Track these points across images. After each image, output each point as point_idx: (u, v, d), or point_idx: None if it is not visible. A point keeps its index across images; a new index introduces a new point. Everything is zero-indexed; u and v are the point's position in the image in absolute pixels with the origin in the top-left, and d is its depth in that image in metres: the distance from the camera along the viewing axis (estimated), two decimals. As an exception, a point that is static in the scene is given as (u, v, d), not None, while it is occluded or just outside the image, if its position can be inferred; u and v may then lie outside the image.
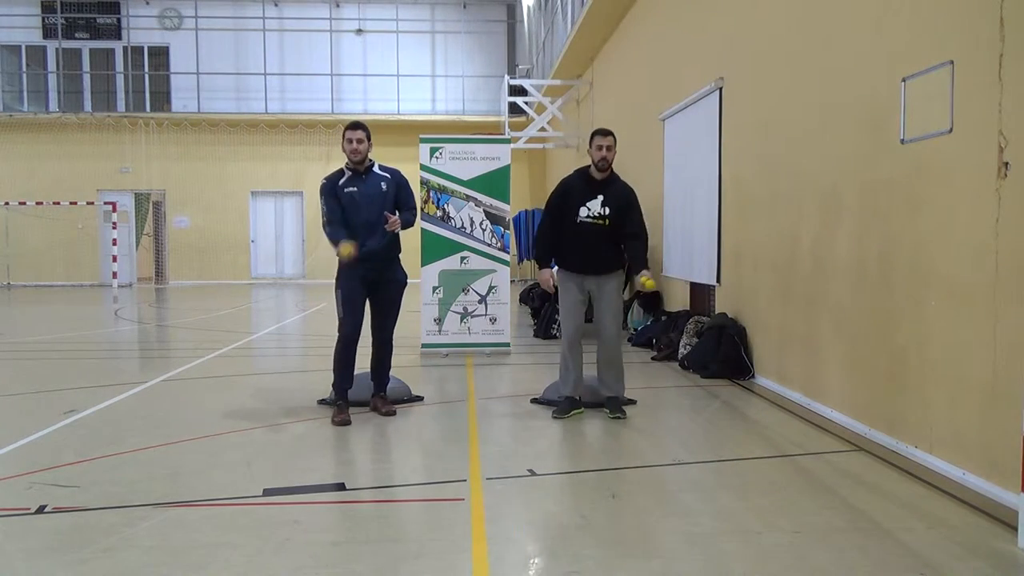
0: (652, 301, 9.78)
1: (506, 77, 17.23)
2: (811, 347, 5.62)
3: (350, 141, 5.31)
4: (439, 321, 8.18)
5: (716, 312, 7.62)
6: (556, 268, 5.60)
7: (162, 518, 3.45)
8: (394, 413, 5.49)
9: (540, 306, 10.12)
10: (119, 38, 21.92)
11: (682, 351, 7.48)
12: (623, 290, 7.17)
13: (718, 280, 7.63)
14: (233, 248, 21.68)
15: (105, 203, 20.03)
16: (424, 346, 8.19)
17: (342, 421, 5.19)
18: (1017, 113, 3.51)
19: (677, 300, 9.14)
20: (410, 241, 6.11)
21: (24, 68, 22.04)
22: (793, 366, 5.93)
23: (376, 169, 5.46)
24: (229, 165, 21.56)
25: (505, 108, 16.59)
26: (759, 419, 5.39)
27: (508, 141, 8.52)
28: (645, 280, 5.24)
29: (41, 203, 19.97)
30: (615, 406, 5.42)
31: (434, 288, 8.14)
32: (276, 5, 22.20)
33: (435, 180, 8.13)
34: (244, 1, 22.00)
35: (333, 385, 5.44)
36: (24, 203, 19.99)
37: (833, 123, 5.26)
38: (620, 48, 12.61)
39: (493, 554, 3.06)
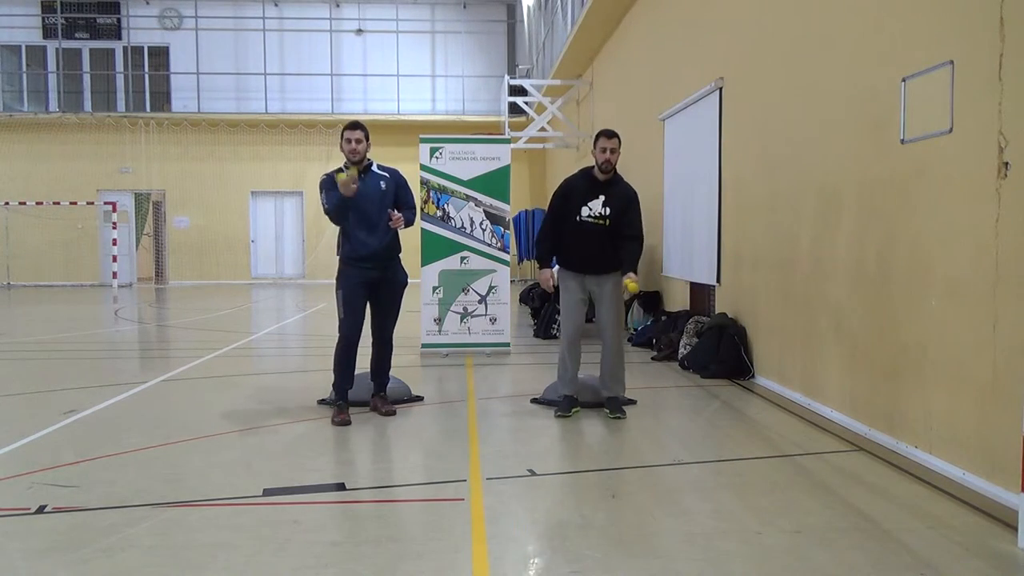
0: (652, 301, 9.78)
1: (506, 77, 17.23)
2: (811, 347, 5.62)
3: (348, 141, 5.32)
4: (439, 321, 8.18)
5: (716, 312, 7.62)
6: (557, 268, 5.61)
7: (162, 518, 3.45)
8: (394, 413, 5.50)
9: (540, 306, 10.11)
10: (119, 38, 21.91)
11: (682, 351, 7.48)
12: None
13: (718, 280, 7.63)
14: (233, 248, 21.68)
15: (105, 203, 20.03)
16: (424, 346, 8.19)
17: (342, 421, 5.19)
18: (1017, 113, 3.51)
19: (677, 300, 9.14)
20: (410, 241, 6.11)
21: (24, 68, 22.04)
22: (793, 366, 5.93)
23: (375, 168, 5.47)
24: (229, 165, 21.56)
25: (505, 108, 16.60)
26: (759, 419, 5.39)
27: (508, 141, 8.52)
28: (628, 283, 5.24)
29: (41, 203, 19.98)
30: (615, 406, 5.42)
31: (434, 288, 8.14)
32: (276, 5, 22.20)
33: (435, 180, 8.14)
34: (244, 1, 22.00)
35: (333, 385, 5.45)
36: (24, 203, 19.99)
37: (833, 123, 5.26)
38: (620, 48, 12.61)
39: (493, 554, 3.06)
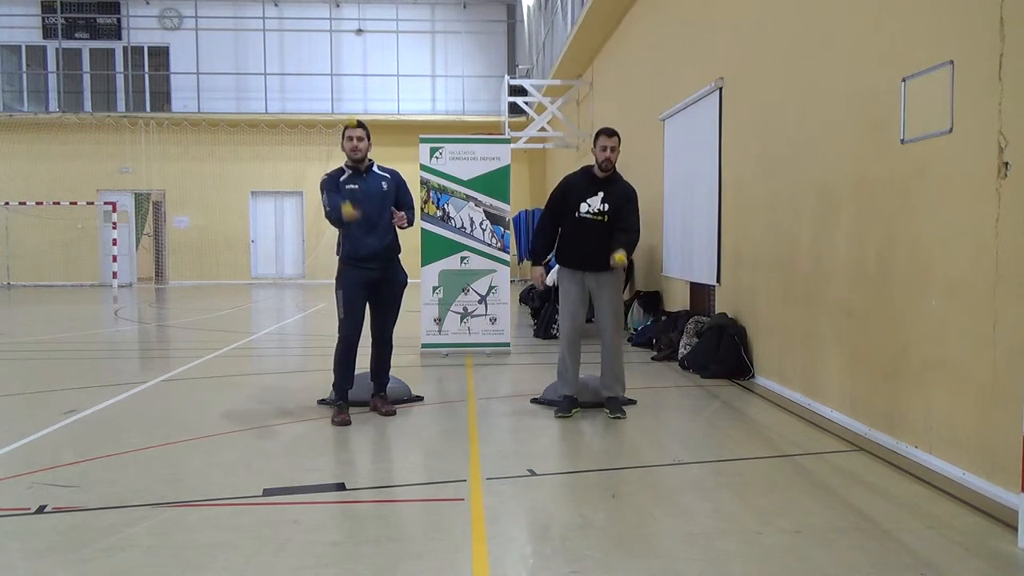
0: (652, 301, 9.79)
1: (506, 77, 17.23)
2: (811, 347, 5.62)
3: (350, 139, 5.32)
4: (439, 321, 8.18)
5: (716, 312, 7.62)
6: (556, 267, 5.62)
7: (162, 518, 3.45)
8: (394, 413, 5.50)
9: (540, 306, 10.11)
10: (119, 38, 21.92)
11: (682, 351, 7.48)
12: (623, 290, 7.14)
13: (718, 280, 7.63)
14: (233, 248, 21.68)
15: (105, 203, 20.03)
16: (424, 346, 8.19)
17: (342, 421, 5.19)
18: (1017, 113, 3.51)
19: (677, 300, 9.14)
20: (410, 241, 6.11)
21: (24, 68, 22.04)
22: (793, 366, 5.93)
23: (376, 169, 5.47)
24: (229, 165, 21.56)
25: (505, 108, 16.60)
26: (759, 419, 5.39)
27: (508, 141, 8.52)
28: (618, 255, 5.20)
29: (41, 203, 19.98)
30: (615, 406, 5.42)
31: (434, 288, 8.14)
32: (276, 5, 22.20)
33: (435, 180, 8.14)
34: (244, 1, 22.00)
35: (333, 385, 5.45)
36: (24, 203, 19.99)
37: (833, 123, 5.26)
38: (620, 48, 12.61)
39: (493, 554, 3.06)
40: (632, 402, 5.74)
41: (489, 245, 8.18)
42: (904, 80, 4.36)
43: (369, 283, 5.38)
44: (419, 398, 5.98)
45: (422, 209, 7.97)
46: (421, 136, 8.31)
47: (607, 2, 11.43)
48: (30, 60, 22.01)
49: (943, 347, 4.04)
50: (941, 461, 4.04)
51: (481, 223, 8.15)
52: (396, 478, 4.14)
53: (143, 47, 22.04)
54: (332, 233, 5.76)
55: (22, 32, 21.76)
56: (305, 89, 21.96)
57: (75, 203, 20.03)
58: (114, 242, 18.92)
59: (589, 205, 5.39)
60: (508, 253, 8.27)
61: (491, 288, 8.20)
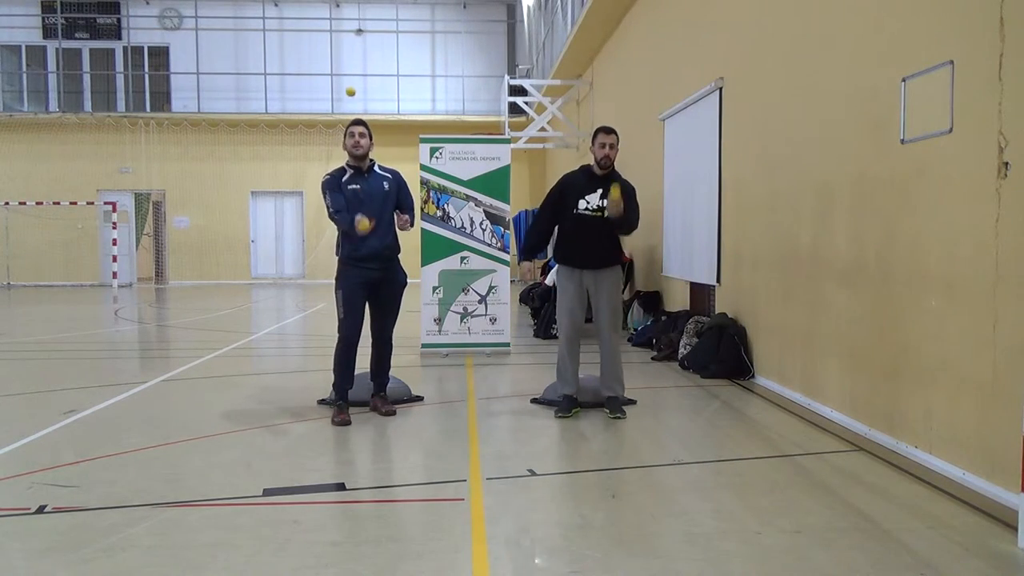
0: (652, 301, 9.79)
1: (506, 77, 17.23)
2: (811, 347, 5.62)
3: (352, 135, 5.33)
4: (439, 321, 8.18)
5: (716, 312, 7.62)
6: (555, 266, 5.63)
7: (162, 518, 3.45)
8: (394, 413, 5.50)
9: (540, 306, 10.11)
10: (119, 38, 21.92)
11: (682, 351, 7.48)
12: (623, 290, 7.12)
13: (718, 280, 7.63)
14: (233, 248, 21.68)
15: (105, 203, 20.04)
16: (424, 346, 8.19)
17: (342, 421, 5.19)
18: (1017, 113, 3.51)
19: (677, 300, 9.14)
20: (410, 241, 6.12)
21: (24, 68, 22.04)
22: (793, 366, 5.93)
23: (377, 169, 5.48)
24: (229, 165, 21.56)
25: (505, 108, 16.59)
26: (759, 419, 5.39)
27: (508, 141, 8.52)
28: (614, 189, 5.20)
29: (41, 203, 19.98)
30: (615, 406, 5.42)
31: (434, 288, 8.14)
32: (276, 5, 22.20)
33: (435, 180, 8.13)
34: (244, 1, 22.00)
35: (333, 385, 5.45)
36: (24, 203, 20.00)
37: (833, 123, 5.26)
38: (620, 48, 12.60)
39: (493, 554, 3.06)
40: (632, 402, 5.74)
41: (489, 245, 8.18)
42: (904, 80, 4.36)
43: (369, 283, 5.38)
44: (419, 398, 5.98)
45: (422, 209, 7.98)
46: (421, 136, 8.31)
47: (607, 2, 11.43)
48: (30, 60, 22.01)
49: (943, 347, 4.04)
50: (941, 461, 4.04)
51: (481, 223, 8.15)
52: (396, 478, 4.14)
53: (143, 47, 22.05)
54: (332, 233, 5.77)
55: (22, 32, 21.76)
56: (305, 89, 21.96)
57: (75, 203, 20.03)
58: (114, 242, 18.93)
59: (588, 202, 5.40)
60: (508, 253, 8.26)
61: (491, 288, 8.20)
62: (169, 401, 6.13)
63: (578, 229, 5.43)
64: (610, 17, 12.12)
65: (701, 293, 8.53)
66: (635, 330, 9.33)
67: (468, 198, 8.13)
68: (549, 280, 10.10)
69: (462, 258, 8.15)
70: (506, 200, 8.20)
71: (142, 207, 21.81)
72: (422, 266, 8.09)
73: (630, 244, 11.11)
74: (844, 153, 5.09)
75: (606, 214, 5.28)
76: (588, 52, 14.41)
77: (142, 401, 6.07)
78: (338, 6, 22.42)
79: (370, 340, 5.57)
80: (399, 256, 5.57)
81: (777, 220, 6.21)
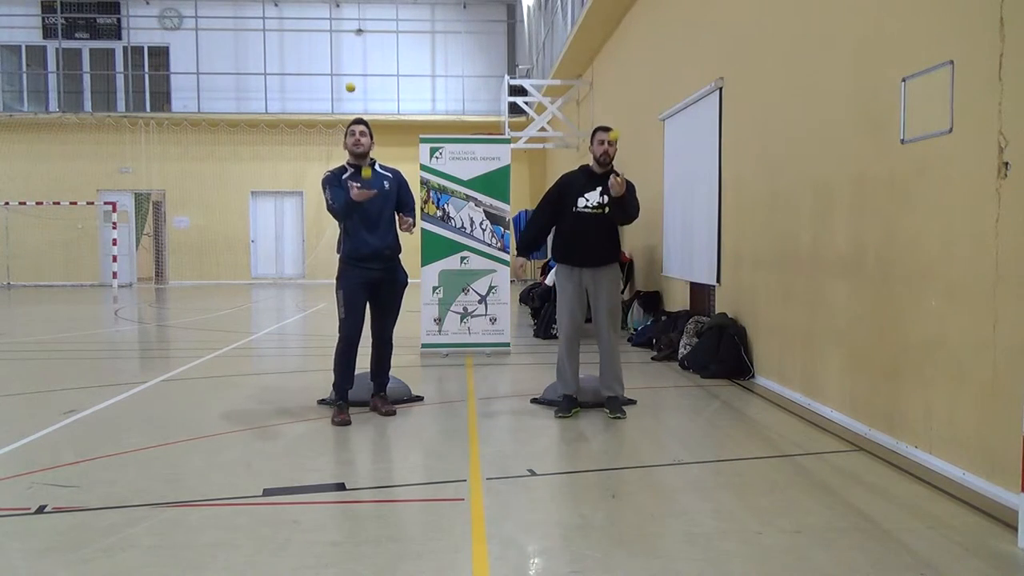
0: (652, 301, 9.79)
1: (506, 77, 17.22)
2: (811, 347, 5.62)
3: (352, 134, 5.33)
4: (439, 321, 8.18)
5: (716, 312, 7.62)
6: (555, 266, 5.63)
7: (162, 518, 3.45)
8: (394, 413, 5.50)
9: (540, 306, 10.11)
10: (119, 38, 21.91)
11: (682, 351, 7.48)
12: (623, 290, 7.11)
13: (718, 280, 7.63)
14: (233, 248, 21.68)
15: (105, 203, 20.03)
16: (424, 346, 8.19)
17: (342, 421, 5.19)
18: (1017, 113, 3.51)
19: (677, 300, 9.14)
20: (410, 241, 6.12)
21: (24, 68, 22.03)
22: (793, 366, 5.93)
23: (378, 168, 5.48)
24: (229, 165, 21.56)
25: (505, 108, 16.59)
26: (759, 419, 5.39)
27: (508, 141, 8.52)
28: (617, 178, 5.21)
29: (41, 203, 19.98)
30: (615, 406, 5.42)
31: (434, 288, 8.15)
32: (276, 5, 22.20)
33: (435, 180, 8.14)
34: (244, 1, 22.00)
35: (333, 385, 5.45)
36: (24, 203, 19.99)
37: (833, 123, 5.26)
38: (620, 48, 12.60)
39: (493, 554, 3.06)
40: (632, 402, 5.74)
41: (489, 245, 8.18)
42: (904, 80, 4.36)
43: (370, 283, 5.38)
44: (419, 398, 5.98)
45: (422, 209, 7.98)
46: (421, 136, 8.31)
47: (607, 2, 11.43)
48: (30, 60, 22.00)
49: (943, 347, 4.04)
50: (941, 461, 4.04)
51: (481, 223, 8.15)
52: (396, 478, 4.14)
53: (143, 47, 22.04)
54: (332, 233, 5.77)
55: (22, 32, 21.76)
56: (305, 89, 21.96)
57: (75, 203, 20.03)
58: (114, 242, 18.93)
59: (587, 200, 5.42)
60: (508, 253, 8.26)
61: (491, 288, 8.20)
62: (169, 401, 6.13)
63: (577, 227, 5.44)
64: (610, 17, 12.12)
65: (701, 293, 8.53)
66: (635, 330, 9.33)
67: (468, 198, 8.13)
68: (549, 280, 10.10)
69: (462, 258, 8.15)
70: (506, 200, 8.20)
71: (142, 207, 21.81)
72: (422, 266, 8.09)
73: (630, 244, 11.11)
74: (844, 153, 5.09)
75: (611, 193, 5.25)
76: (588, 52, 14.41)
77: (142, 401, 6.07)
78: (338, 6, 22.41)
79: (370, 340, 5.57)
80: (399, 256, 5.57)
81: (777, 220, 6.21)
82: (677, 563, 2.98)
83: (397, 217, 5.48)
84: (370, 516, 3.57)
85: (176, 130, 21.39)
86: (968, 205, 3.84)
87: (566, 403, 5.46)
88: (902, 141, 4.40)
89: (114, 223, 19.10)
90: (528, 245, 5.69)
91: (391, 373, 5.76)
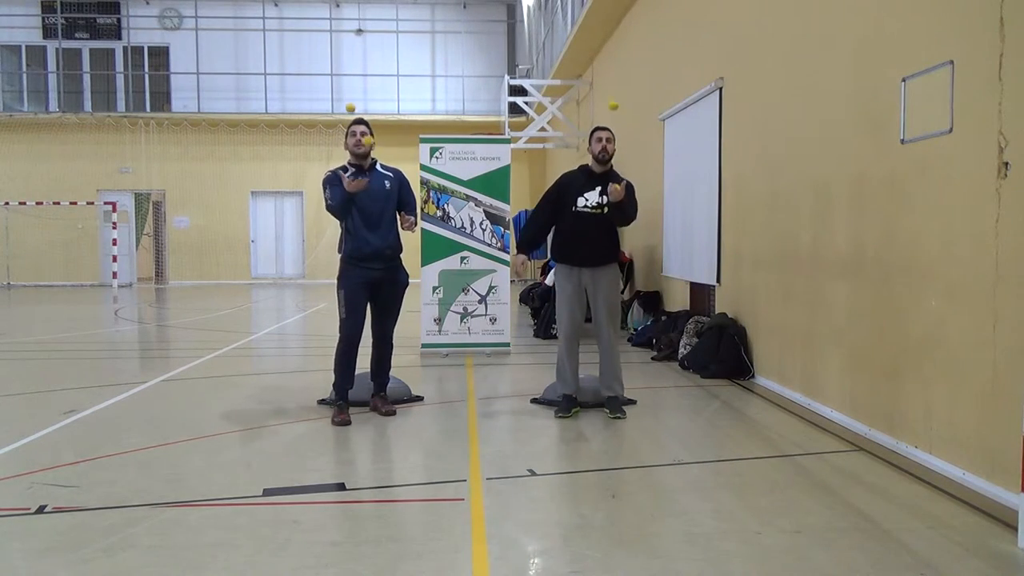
0: (652, 301, 9.79)
1: (506, 77, 17.22)
2: (811, 347, 5.62)
3: (353, 134, 5.33)
4: (439, 321, 8.18)
5: (716, 312, 7.62)
6: (555, 266, 5.63)
7: (162, 518, 3.45)
8: (394, 413, 5.50)
9: (540, 306, 10.11)
10: (119, 38, 21.91)
11: (682, 351, 7.48)
12: (622, 290, 7.11)
13: (718, 280, 7.63)
14: (233, 248, 21.68)
15: (105, 203, 20.04)
16: (424, 346, 8.19)
17: (342, 421, 5.19)
18: (1017, 113, 3.51)
19: (677, 300, 9.14)
20: (410, 241, 6.11)
21: (24, 68, 22.03)
22: (793, 366, 5.93)
23: (379, 167, 5.48)
24: (229, 165, 21.56)
25: (505, 108, 16.58)
26: (759, 419, 5.39)
27: (508, 141, 8.52)
28: (617, 185, 5.21)
29: (41, 203, 19.98)
30: (615, 406, 5.42)
31: (434, 288, 8.15)
32: (276, 5, 22.20)
33: (435, 180, 8.14)
34: (244, 1, 22.00)
35: (333, 385, 5.45)
36: (24, 203, 19.99)
37: (833, 123, 5.26)
38: (620, 48, 12.60)
39: (493, 554, 3.06)
40: (632, 402, 5.74)
41: (489, 245, 8.18)
42: (904, 80, 4.36)
43: (371, 283, 5.38)
44: (419, 398, 5.98)
45: (422, 209, 7.98)
46: (421, 136, 8.31)
47: (607, 2, 11.43)
48: (30, 60, 22.01)
49: (943, 347, 4.04)
50: (941, 461, 4.04)
51: (481, 223, 8.15)
52: (396, 478, 4.14)
53: (143, 47, 22.04)
54: (332, 233, 5.77)
55: (22, 32, 21.76)
56: (305, 89, 21.96)
57: (75, 203, 20.03)
58: (114, 242, 18.93)
59: (587, 199, 5.42)
60: (508, 253, 8.26)
61: (491, 288, 8.20)
62: (169, 401, 6.13)
63: (577, 227, 5.45)
64: (610, 17, 12.12)
65: (701, 293, 8.53)
66: (635, 330, 9.33)
67: (468, 198, 8.13)
68: (549, 280, 10.10)
69: (462, 258, 8.15)
70: (506, 200, 8.20)
71: (142, 207, 21.81)
72: (422, 266, 8.09)
73: (630, 244, 11.11)
74: (844, 153, 5.09)
75: (608, 199, 5.27)
76: (588, 52, 14.41)
77: (142, 401, 6.07)
78: (338, 6, 22.42)
79: (371, 340, 5.57)
80: (400, 256, 5.57)
81: (777, 220, 6.21)
82: (677, 563, 2.98)
83: (399, 217, 5.49)
84: (370, 516, 3.57)
85: (176, 130, 21.39)
86: (968, 205, 3.84)
87: (566, 403, 5.46)
88: (902, 141, 4.40)
89: (114, 223, 19.11)
90: (527, 244, 5.69)
91: (391, 373, 5.76)
